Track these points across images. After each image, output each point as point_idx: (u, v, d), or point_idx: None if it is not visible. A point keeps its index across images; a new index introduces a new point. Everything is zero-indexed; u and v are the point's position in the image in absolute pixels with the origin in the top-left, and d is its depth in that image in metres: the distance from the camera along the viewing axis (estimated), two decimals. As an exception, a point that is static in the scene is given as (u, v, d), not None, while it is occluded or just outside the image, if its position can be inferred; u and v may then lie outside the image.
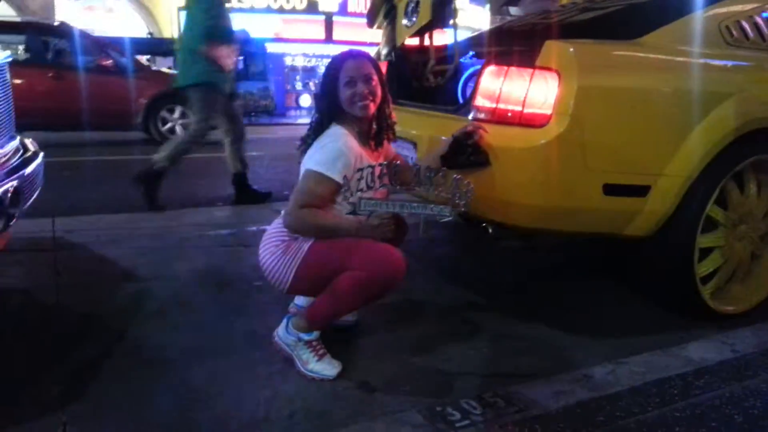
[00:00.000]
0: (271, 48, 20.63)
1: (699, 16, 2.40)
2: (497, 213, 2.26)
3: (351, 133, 1.98)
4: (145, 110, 8.16)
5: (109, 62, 8.32)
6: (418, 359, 2.05)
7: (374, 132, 2.07)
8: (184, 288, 2.67)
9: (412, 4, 2.74)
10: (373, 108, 2.01)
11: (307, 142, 2.01)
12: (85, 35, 9.08)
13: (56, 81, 7.75)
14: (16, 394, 1.78)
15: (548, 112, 2.07)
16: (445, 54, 3.13)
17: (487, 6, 20.85)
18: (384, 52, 3.17)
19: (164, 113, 8.31)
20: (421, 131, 2.61)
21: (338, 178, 1.87)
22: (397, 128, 2.58)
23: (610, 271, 2.99)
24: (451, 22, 2.95)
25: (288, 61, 20.84)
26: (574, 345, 2.15)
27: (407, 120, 2.73)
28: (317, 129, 2.01)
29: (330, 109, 2.00)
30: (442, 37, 3.15)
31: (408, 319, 2.40)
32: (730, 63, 2.36)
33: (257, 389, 1.84)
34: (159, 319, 2.33)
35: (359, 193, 1.87)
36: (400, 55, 3.14)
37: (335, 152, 1.90)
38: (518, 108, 2.16)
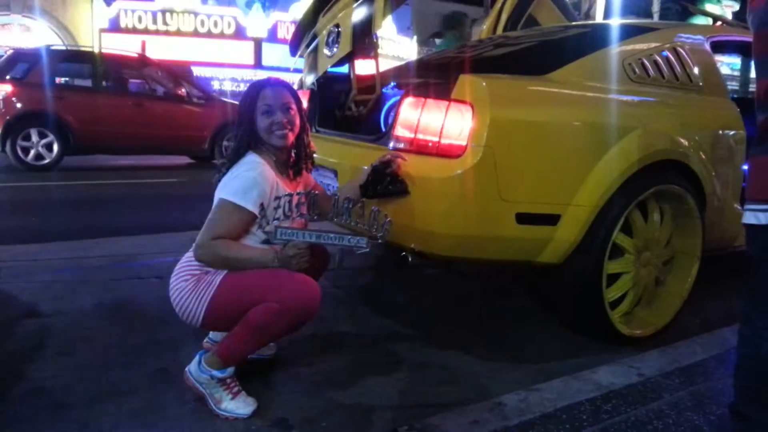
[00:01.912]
0: (198, 72, 20.32)
1: (604, 53, 2.54)
2: (416, 241, 2.28)
3: (268, 162, 1.95)
4: (211, 137, 8.70)
5: (183, 92, 8.92)
6: (337, 393, 2.01)
7: (292, 161, 2.05)
8: (90, 324, 2.52)
9: (333, 35, 2.76)
10: (291, 137, 1.99)
11: (222, 170, 1.96)
12: (162, 66, 9.66)
13: (136, 108, 8.25)
14: None
15: (463, 143, 2.11)
16: (367, 84, 3.16)
17: (415, 38, 21.41)
18: (307, 80, 3.17)
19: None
20: (342, 160, 2.61)
21: (252, 208, 1.84)
22: (319, 156, 2.58)
23: (532, 297, 3.06)
24: (372, 53, 2.99)
25: (216, 85, 20.58)
26: (490, 372, 2.18)
27: (329, 148, 2.74)
28: (233, 157, 1.97)
29: (247, 137, 1.97)
30: (364, 67, 3.18)
31: (328, 350, 2.36)
32: (633, 98, 2.49)
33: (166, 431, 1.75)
34: (61, 359, 2.19)
35: (275, 222, 1.84)
36: (322, 84, 3.15)
37: (250, 181, 1.86)
38: (435, 138, 2.19)
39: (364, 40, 2.71)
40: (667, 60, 2.65)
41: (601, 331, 2.46)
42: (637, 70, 2.53)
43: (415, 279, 3.42)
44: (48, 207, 5.52)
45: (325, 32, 2.84)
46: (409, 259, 2.32)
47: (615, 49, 2.57)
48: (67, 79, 8.96)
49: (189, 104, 8.88)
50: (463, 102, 2.14)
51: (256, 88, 1.98)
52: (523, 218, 2.20)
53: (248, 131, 1.96)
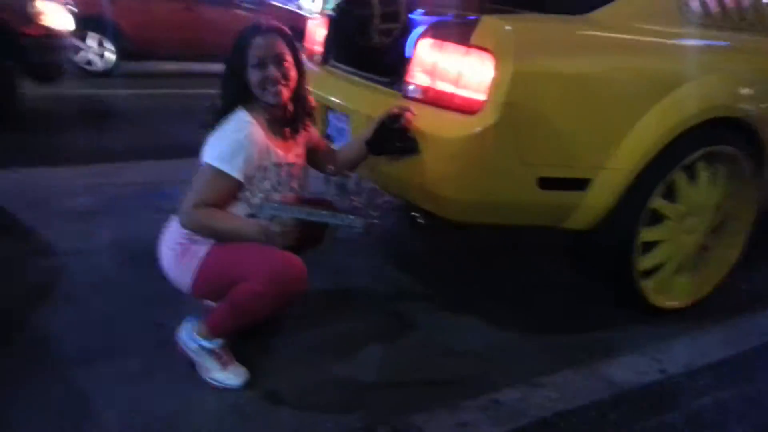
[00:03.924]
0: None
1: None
2: (426, 203, 2.09)
3: (258, 121, 1.77)
4: None
5: None
6: (335, 365, 1.92)
7: (289, 118, 1.86)
8: (104, 267, 2.47)
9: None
10: (286, 93, 1.79)
11: (208, 126, 1.79)
12: None
13: (187, 13, 8.21)
14: None
15: (482, 97, 1.86)
16: (393, 10, 2.85)
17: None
18: (326, 4, 2.88)
19: None
20: (355, 105, 2.38)
21: (238, 175, 1.69)
22: (333, 98, 2.37)
23: (564, 258, 2.83)
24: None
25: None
26: (498, 353, 2.02)
27: (344, 89, 2.52)
28: (222, 113, 1.79)
29: (237, 91, 1.78)
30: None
31: (336, 310, 2.26)
32: (689, 43, 2.13)
33: (152, 399, 1.71)
34: (68, 308, 2.16)
35: (260, 195, 1.68)
36: (343, 10, 2.86)
37: (235, 145, 1.70)
38: (452, 90, 1.94)
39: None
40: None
41: (631, 302, 2.26)
42: (695, 9, 2.14)
43: (447, 235, 3.18)
44: (90, 121, 5.45)
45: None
46: (420, 220, 2.14)
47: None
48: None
49: (240, 9, 8.68)
50: (483, 49, 1.86)
51: (248, 36, 1.76)
52: (546, 183, 1.97)
53: (238, 85, 1.77)
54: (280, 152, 1.81)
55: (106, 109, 6.08)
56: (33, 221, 2.88)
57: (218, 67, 1.85)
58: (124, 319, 2.12)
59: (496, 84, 1.83)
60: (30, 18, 4.59)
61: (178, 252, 1.77)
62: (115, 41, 7.74)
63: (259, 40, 1.75)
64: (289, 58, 1.78)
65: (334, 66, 2.72)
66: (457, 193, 1.97)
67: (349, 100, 2.41)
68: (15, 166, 3.65)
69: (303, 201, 1.89)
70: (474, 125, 1.86)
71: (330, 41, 2.82)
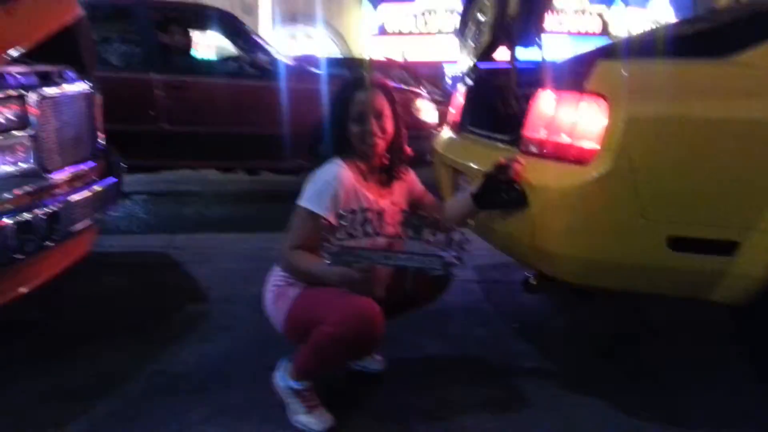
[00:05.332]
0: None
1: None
2: (538, 263, 1.93)
3: (352, 168, 1.83)
4: None
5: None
6: (426, 429, 1.79)
7: (384, 166, 1.89)
8: (242, 313, 2.60)
9: (479, 23, 2.48)
10: (382, 145, 1.85)
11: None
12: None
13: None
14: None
15: (595, 146, 1.71)
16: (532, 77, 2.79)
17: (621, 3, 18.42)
18: (464, 73, 2.92)
19: None
20: (475, 163, 2.33)
21: (326, 214, 1.74)
22: (459, 160, 2.36)
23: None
24: (536, 39, 2.63)
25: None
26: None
27: (470, 151, 2.50)
28: (322, 160, 1.87)
29: (337, 140, 1.86)
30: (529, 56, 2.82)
31: (443, 376, 2.12)
32: None
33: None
34: (197, 346, 2.32)
35: (340, 242, 1.68)
36: (482, 79, 2.87)
37: (323, 185, 1.77)
38: (566, 140, 1.82)
39: (504, 29, 2.38)
40: None
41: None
42: None
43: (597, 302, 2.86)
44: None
45: (474, 21, 2.58)
46: (532, 281, 1.97)
47: None
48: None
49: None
50: (598, 95, 1.74)
51: (350, 89, 1.85)
52: (679, 244, 1.71)
53: (339, 136, 1.85)
54: (371, 197, 1.84)
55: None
56: (198, 275, 3.17)
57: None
58: (246, 358, 2.21)
59: (608, 131, 1.69)
60: (410, 114, 5.59)
61: (274, 294, 1.84)
62: None
63: (360, 95, 1.83)
64: (387, 112, 1.84)
65: (469, 132, 2.71)
66: (566, 249, 1.79)
67: (470, 160, 2.37)
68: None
69: (392, 247, 1.86)
70: (583, 175, 1.72)
71: (467, 109, 2.84)
